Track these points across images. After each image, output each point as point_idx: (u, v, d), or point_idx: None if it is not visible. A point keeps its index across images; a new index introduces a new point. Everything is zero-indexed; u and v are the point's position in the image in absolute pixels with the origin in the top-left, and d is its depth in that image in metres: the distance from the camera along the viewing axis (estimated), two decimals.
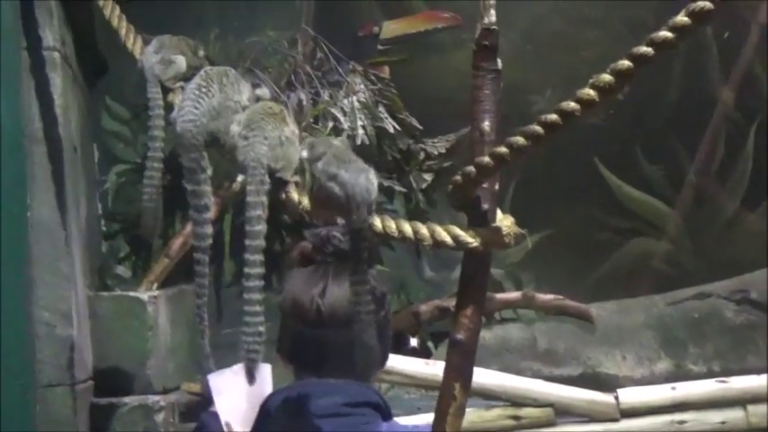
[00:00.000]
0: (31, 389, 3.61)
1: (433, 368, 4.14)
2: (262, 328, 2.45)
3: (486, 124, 2.02)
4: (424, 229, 2.10)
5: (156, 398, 4.36)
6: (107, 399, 4.30)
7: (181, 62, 3.25)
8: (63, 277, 3.94)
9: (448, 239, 2.06)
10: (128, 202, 5.02)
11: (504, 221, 2.06)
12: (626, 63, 1.72)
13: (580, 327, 5.17)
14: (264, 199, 2.45)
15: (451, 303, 5.04)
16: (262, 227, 2.44)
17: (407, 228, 2.12)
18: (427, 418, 2.58)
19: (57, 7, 3.98)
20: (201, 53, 3.34)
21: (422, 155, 5.07)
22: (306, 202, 2.40)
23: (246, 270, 2.42)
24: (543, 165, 5.26)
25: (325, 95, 5.00)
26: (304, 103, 4.98)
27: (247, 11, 5.32)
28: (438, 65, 5.39)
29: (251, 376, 2.49)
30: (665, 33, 1.68)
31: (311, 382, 2.34)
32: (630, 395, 4.50)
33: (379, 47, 5.37)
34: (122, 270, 5.05)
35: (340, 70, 5.07)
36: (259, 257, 2.42)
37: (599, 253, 5.46)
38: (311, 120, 4.90)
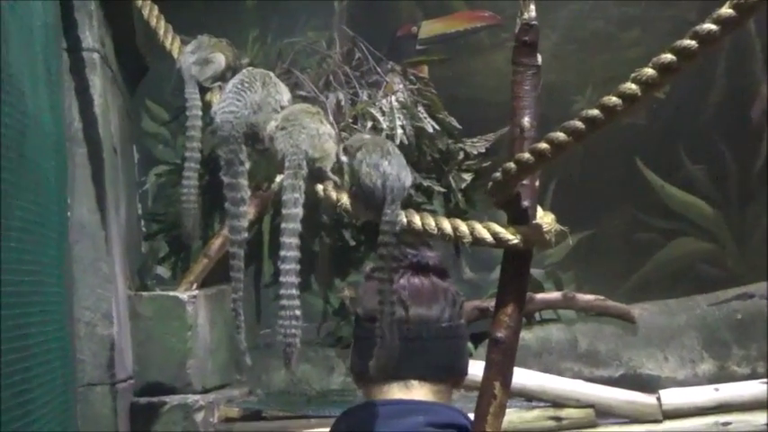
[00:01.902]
0: (72, 388, 3.63)
1: (472, 368, 4.11)
2: (298, 312, 2.43)
3: (526, 120, 2.01)
4: (463, 227, 2.09)
5: (196, 397, 4.38)
6: (147, 398, 4.32)
7: (219, 61, 3.26)
8: (103, 277, 3.96)
9: (488, 237, 2.04)
10: (167, 203, 5.05)
11: (545, 218, 2.05)
12: (669, 57, 1.69)
13: (621, 327, 5.12)
14: (301, 183, 2.45)
15: (491, 304, 5.03)
16: (298, 210, 2.43)
17: (447, 225, 2.11)
18: None
19: (96, 9, 4.01)
20: (245, 60, 3.35)
21: (461, 155, 5.05)
22: (344, 199, 2.39)
23: (282, 253, 2.42)
24: (584, 164, 5.23)
25: (364, 95, 5.00)
26: (342, 103, 4.97)
27: (286, 12, 5.33)
28: (477, 65, 5.36)
29: (288, 362, 2.48)
30: (709, 26, 1.65)
31: (393, 401, 2.24)
32: (673, 396, 4.46)
33: (418, 47, 5.36)
34: (162, 270, 5.08)
35: (378, 70, 5.07)
36: (295, 240, 2.42)
37: (640, 253, 5.41)
38: (350, 120, 4.89)
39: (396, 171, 2.26)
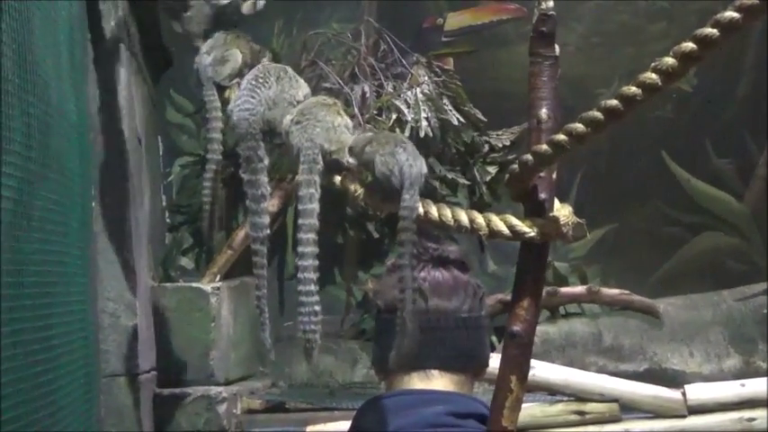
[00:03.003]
0: (95, 378, 3.64)
1: (494, 361, 4.11)
2: (318, 308, 2.44)
3: (544, 112, 1.98)
4: (480, 218, 2.08)
5: (219, 389, 4.39)
6: (170, 389, 4.34)
7: (236, 58, 3.26)
8: (127, 268, 3.98)
9: (504, 229, 2.03)
10: (192, 194, 5.05)
11: (562, 211, 2.02)
12: (690, 45, 1.66)
13: (646, 322, 5.10)
14: (317, 178, 2.45)
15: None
16: (314, 205, 2.43)
17: (463, 216, 2.10)
18: None
19: None
20: (268, 54, 3.34)
21: (486, 147, 5.04)
22: (360, 190, 2.38)
23: (300, 249, 2.42)
24: (610, 158, 5.20)
25: (389, 87, 4.99)
26: (368, 95, 4.97)
27: (311, 3, 5.32)
28: (503, 58, 5.34)
29: (309, 356, 2.48)
30: (731, 14, 1.62)
31: (414, 391, 2.24)
32: (698, 391, 4.43)
33: (443, 39, 5.34)
34: (186, 261, 5.09)
35: (404, 62, 5.06)
36: (312, 236, 2.42)
37: (666, 247, 5.37)
38: (375, 112, 4.89)
39: (411, 157, 2.27)
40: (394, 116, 4.86)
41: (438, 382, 2.26)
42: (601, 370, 4.75)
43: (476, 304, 2.29)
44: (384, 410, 2.24)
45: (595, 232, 5.21)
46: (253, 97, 2.71)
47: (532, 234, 1.99)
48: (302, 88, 2.80)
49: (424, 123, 4.85)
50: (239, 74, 3.23)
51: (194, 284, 4.56)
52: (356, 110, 4.77)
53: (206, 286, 4.51)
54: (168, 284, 4.57)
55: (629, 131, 4.88)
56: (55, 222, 3.01)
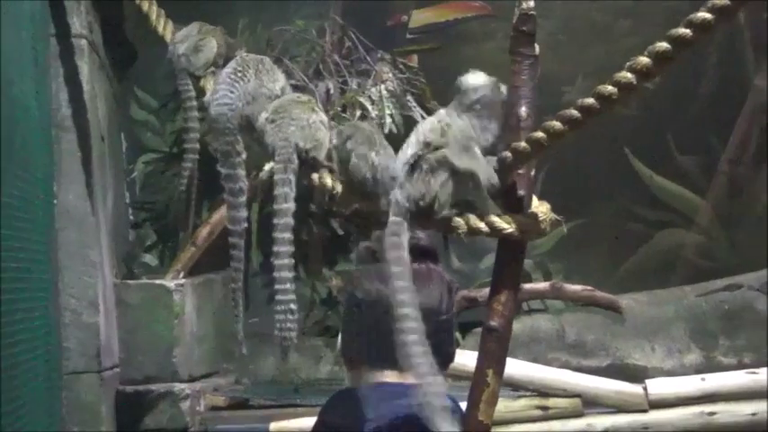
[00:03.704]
0: (58, 376, 3.62)
1: (461, 357, 4.12)
2: (294, 306, 2.44)
3: (523, 110, 2.00)
4: (457, 217, 2.08)
5: (182, 386, 4.38)
6: (133, 387, 4.32)
7: (210, 47, 3.25)
8: (90, 265, 3.95)
9: (483, 226, 2.04)
10: (155, 191, 5.03)
11: (541, 208, 2.05)
12: (664, 45, 1.69)
13: (609, 318, 5.14)
14: (292, 177, 2.44)
15: (479, 294, 5.04)
16: (290, 204, 2.43)
17: None
18: None
19: None
20: (243, 49, 3.32)
21: None
22: (339, 187, 2.38)
23: (276, 248, 2.42)
24: (573, 155, 5.22)
25: (353, 84, 5.00)
26: (332, 91, 4.97)
27: (276, 1, 5.31)
28: (468, 55, 5.35)
29: (285, 355, 2.48)
30: (703, 15, 1.65)
31: (385, 384, 2.22)
32: (659, 386, 4.47)
33: (408, 36, 5.35)
34: (149, 258, 5.06)
35: (368, 59, 5.06)
36: (288, 235, 2.42)
37: (629, 243, 5.42)
38: (339, 108, 4.89)
39: (384, 161, 2.26)
40: (358, 113, 4.87)
41: (407, 376, 2.26)
42: (564, 366, 4.78)
43: (451, 303, 2.29)
44: (355, 403, 2.24)
45: (559, 229, 5.25)
46: (232, 92, 2.70)
47: (511, 230, 2.01)
48: (280, 80, 2.80)
49: (389, 120, 4.86)
50: (214, 63, 3.22)
51: (158, 281, 4.53)
52: (320, 106, 4.75)
53: (169, 283, 4.49)
54: (131, 281, 4.55)
55: (592, 128, 4.89)
56: (17, 219, 2.99)
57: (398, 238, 2.05)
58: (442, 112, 2.16)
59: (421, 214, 2.06)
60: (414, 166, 2.07)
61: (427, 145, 2.07)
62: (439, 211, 2.06)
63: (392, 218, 2.07)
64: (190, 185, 3.30)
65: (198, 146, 3.33)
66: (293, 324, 2.44)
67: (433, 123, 2.12)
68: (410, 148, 2.11)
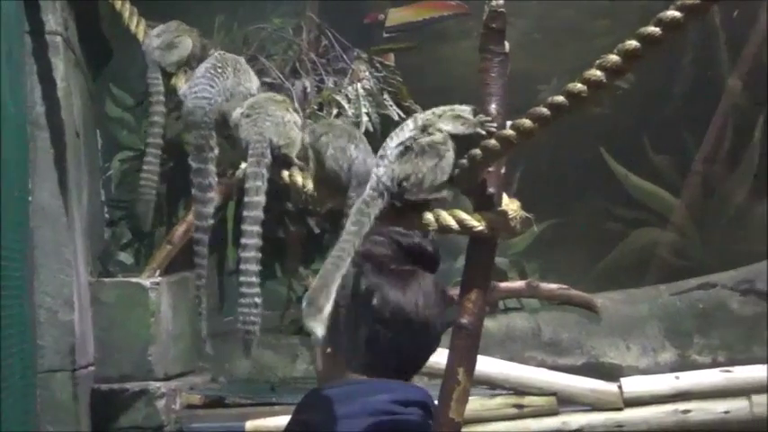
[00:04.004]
0: (33, 374, 3.61)
1: (435, 356, 4.12)
2: (258, 300, 2.43)
3: (493, 107, 2.00)
4: (428, 214, 2.08)
5: (158, 384, 4.36)
6: (108, 385, 4.30)
7: (185, 45, 3.24)
8: (65, 263, 3.93)
9: (453, 223, 2.04)
10: (131, 189, 5.00)
11: (511, 205, 2.04)
12: (633, 43, 1.70)
13: (584, 316, 5.15)
14: (265, 171, 2.44)
15: (454, 292, 5.04)
16: (260, 198, 2.43)
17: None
18: None
19: None
20: (218, 50, 3.31)
21: None
22: (310, 186, 2.38)
23: (243, 241, 2.42)
24: (549, 154, 5.24)
25: (330, 83, 4.99)
26: (308, 90, 4.96)
27: None
28: (444, 53, 5.36)
29: (247, 349, 2.47)
30: (673, 13, 1.65)
31: (359, 381, 2.20)
32: (634, 384, 4.49)
33: (385, 34, 5.35)
34: (125, 256, 5.05)
35: (345, 57, 5.06)
36: (257, 229, 2.42)
37: (604, 242, 5.43)
38: (315, 107, 4.88)
39: (362, 156, 2.26)
40: (335, 111, 4.87)
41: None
42: (540, 364, 4.80)
43: (437, 311, 2.26)
44: (329, 401, 2.23)
45: (533, 229, 5.27)
46: (211, 86, 2.70)
47: (481, 228, 2.01)
48: (254, 81, 2.81)
49: (365, 119, 4.86)
50: (187, 63, 3.21)
51: (133, 279, 4.52)
52: (297, 105, 4.75)
53: (145, 281, 4.48)
54: (107, 279, 4.53)
55: (568, 127, 4.91)
56: None
57: (367, 208, 2.04)
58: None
59: (401, 194, 2.04)
60: (407, 147, 2.05)
61: (423, 128, 2.06)
62: (419, 193, 2.04)
63: (369, 191, 2.05)
64: (152, 182, 3.28)
65: (162, 141, 3.32)
66: (257, 318, 2.44)
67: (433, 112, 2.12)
68: (406, 132, 2.10)
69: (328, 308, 1.94)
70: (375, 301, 2.12)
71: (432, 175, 2.04)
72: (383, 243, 2.20)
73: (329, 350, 2.21)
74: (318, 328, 1.92)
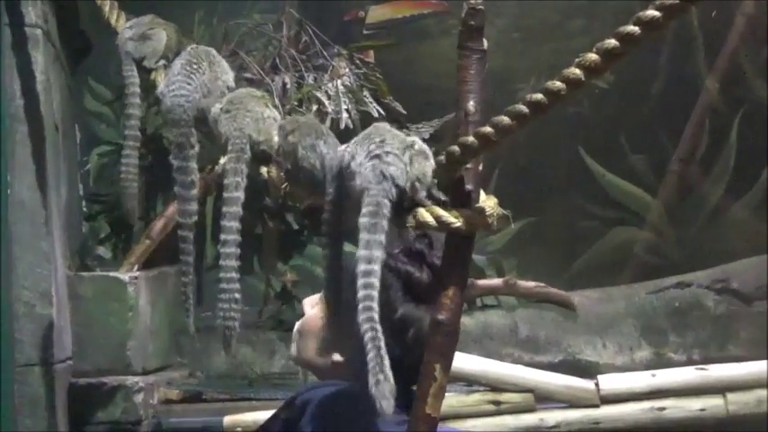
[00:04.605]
0: (9, 368, 3.59)
1: None
2: (238, 296, 2.43)
3: (471, 104, 2.00)
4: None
5: (136, 379, 4.35)
6: (86, 379, 4.29)
7: (159, 38, 3.21)
8: (43, 257, 3.92)
9: (430, 220, 2.04)
10: (109, 184, 5.00)
11: (488, 202, 2.04)
12: (612, 42, 1.70)
13: (562, 314, 5.16)
14: (243, 167, 2.44)
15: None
16: (239, 194, 2.43)
17: None
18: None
19: None
20: (192, 45, 3.29)
21: None
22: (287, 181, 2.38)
23: (222, 236, 2.42)
24: (527, 153, 5.25)
25: (310, 79, 4.98)
26: (288, 86, 4.95)
27: None
28: (424, 51, 5.36)
29: (228, 345, 2.46)
30: (652, 12, 1.66)
31: (354, 384, 2.16)
32: (611, 382, 4.51)
33: (365, 31, 5.34)
34: (103, 251, 5.02)
35: (325, 54, 5.05)
36: (236, 224, 2.41)
37: (582, 241, 5.44)
38: (295, 103, 4.87)
39: (332, 151, 2.27)
40: (315, 108, 4.86)
41: None
42: (517, 361, 4.81)
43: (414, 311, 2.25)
44: (328, 398, 2.22)
45: (513, 225, 5.27)
46: (188, 83, 2.69)
47: (458, 224, 2.00)
48: (229, 72, 2.80)
49: (345, 115, 4.85)
50: (164, 56, 3.19)
51: (112, 274, 4.51)
52: (277, 101, 4.75)
53: (123, 276, 4.46)
54: (85, 273, 4.51)
55: (546, 126, 4.93)
56: None
57: (378, 217, 1.99)
58: None
59: (412, 196, 2.04)
60: (410, 147, 2.08)
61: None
62: (417, 194, 2.04)
63: (375, 192, 2.01)
64: (132, 174, 3.27)
65: (139, 133, 3.31)
66: (237, 314, 2.43)
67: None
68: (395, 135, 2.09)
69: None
70: (410, 335, 2.10)
71: (432, 175, 2.06)
72: (410, 257, 2.19)
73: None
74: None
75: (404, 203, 2.05)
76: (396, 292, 2.14)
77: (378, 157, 2.05)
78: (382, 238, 1.97)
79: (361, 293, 1.94)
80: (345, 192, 2.11)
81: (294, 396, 2.28)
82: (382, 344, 1.92)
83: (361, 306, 1.93)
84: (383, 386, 1.90)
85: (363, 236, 1.98)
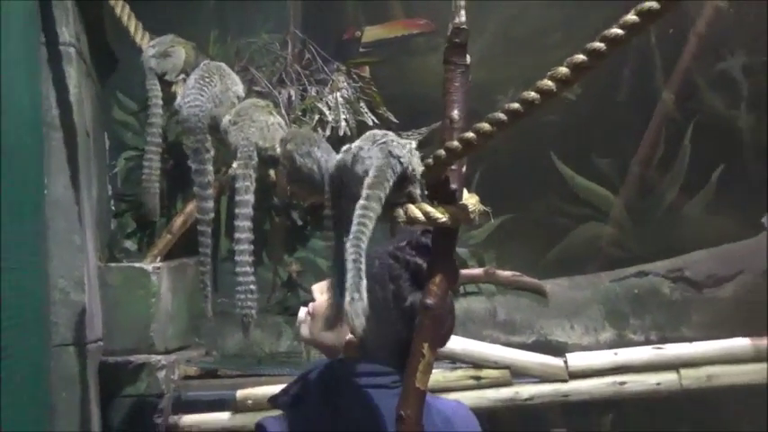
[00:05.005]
0: (47, 348, 3.58)
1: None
2: (253, 287, 2.44)
3: (456, 113, 2.00)
4: (398, 208, 2.08)
5: (158, 357, 4.35)
6: (114, 358, 4.28)
7: (178, 55, 3.22)
8: (76, 249, 3.91)
9: (420, 216, 2.04)
10: (135, 185, 4.98)
11: (470, 200, 2.05)
12: (581, 57, 1.70)
13: (535, 300, 5.16)
14: (252, 172, 2.44)
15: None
16: (249, 196, 2.43)
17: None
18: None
19: (72, 6, 3.95)
20: (207, 60, 3.29)
21: None
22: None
23: (237, 235, 2.42)
24: (505, 157, 5.24)
25: (312, 92, 4.98)
26: (293, 98, 4.95)
27: (244, 15, 5.27)
28: (415, 66, 5.34)
29: (246, 330, 2.47)
30: (616, 30, 1.66)
31: (360, 360, 2.19)
32: (578, 359, 4.51)
33: (361, 49, 5.32)
34: (129, 244, 5.01)
35: (326, 69, 5.05)
36: (248, 224, 2.42)
37: (553, 235, 5.43)
38: (299, 113, 4.87)
39: (325, 155, 2.28)
40: (316, 117, 4.86)
41: None
42: (495, 341, 4.80)
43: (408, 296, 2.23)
44: (336, 374, 2.21)
45: (493, 221, 5.28)
46: (201, 95, 2.70)
47: (444, 219, 2.01)
48: (239, 83, 2.80)
49: (343, 124, 4.85)
50: (183, 71, 3.19)
51: (137, 264, 4.50)
52: (283, 111, 4.75)
53: (147, 266, 4.46)
54: (113, 264, 4.50)
55: (522, 133, 4.92)
56: (10, 208, 2.95)
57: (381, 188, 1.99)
58: None
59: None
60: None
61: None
62: (413, 179, 2.05)
63: (382, 174, 2.01)
64: (154, 176, 3.26)
65: (160, 140, 3.31)
66: (253, 303, 2.44)
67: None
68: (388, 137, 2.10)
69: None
70: (417, 321, 2.06)
71: (420, 174, 2.08)
72: (417, 250, 2.18)
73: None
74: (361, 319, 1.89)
75: (402, 189, 2.05)
76: (404, 283, 2.14)
77: (384, 143, 2.07)
78: (381, 195, 1.98)
79: (354, 228, 1.94)
80: (347, 183, 2.11)
81: (305, 372, 2.27)
82: (363, 266, 1.91)
83: (352, 235, 1.93)
84: (357, 304, 1.89)
85: (365, 191, 1.98)
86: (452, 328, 2.30)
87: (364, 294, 1.90)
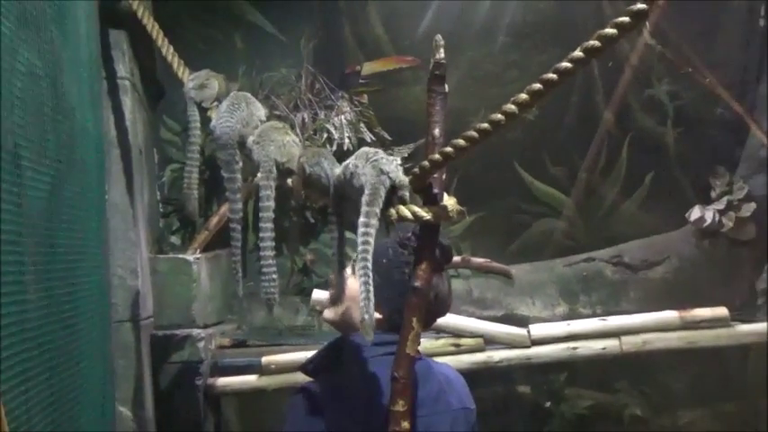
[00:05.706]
0: (108, 324, 3.58)
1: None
2: (275, 276, 2.44)
3: (437, 131, 2.01)
4: (391, 208, 2.08)
5: (199, 331, 4.34)
6: (162, 331, 4.28)
7: (213, 86, 3.23)
8: (131, 244, 3.91)
9: (408, 215, 2.04)
10: (178, 191, 4.98)
11: (449, 201, 2.05)
12: (537, 85, 1.71)
13: (503, 282, 5.16)
14: (272, 183, 2.45)
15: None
16: (270, 202, 2.44)
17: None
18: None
19: (127, 46, 3.94)
20: (236, 88, 3.30)
21: None
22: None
23: (261, 234, 2.43)
24: (477, 166, 5.25)
25: (322, 115, 4.98)
26: (306, 120, 4.95)
27: (266, 53, 5.27)
28: (404, 94, 5.34)
29: (270, 309, 2.48)
30: (565, 64, 1.66)
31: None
32: (538, 329, 4.51)
33: (361, 81, 5.32)
34: (174, 239, 5.01)
35: (332, 97, 5.05)
36: (270, 224, 2.42)
37: (517, 229, 5.43)
38: (311, 132, 4.88)
39: (331, 163, 2.29)
40: (325, 136, 4.87)
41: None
42: (471, 315, 4.80)
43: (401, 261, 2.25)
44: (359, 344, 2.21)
45: (468, 218, 5.28)
46: (232, 118, 2.71)
47: (428, 217, 2.01)
48: (262, 109, 2.81)
49: (347, 141, 4.86)
50: (217, 99, 3.20)
51: (180, 256, 4.49)
52: (298, 131, 4.75)
53: (189, 257, 4.45)
54: (161, 256, 4.49)
55: (492, 148, 4.94)
56: (78, 209, 2.95)
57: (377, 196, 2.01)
58: None
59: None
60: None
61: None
62: (402, 189, 2.07)
63: (378, 182, 2.03)
64: (194, 184, 3.27)
65: (198, 155, 3.31)
66: (275, 289, 2.45)
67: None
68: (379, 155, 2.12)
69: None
70: (407, 299, 2.06)
71: (407, 182, 2.11)
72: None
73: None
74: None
75: (392, 197, 2.06)
76: (412, 266, 2.14)
77: (376, 161, 2.08)
78: (377, 210, 1.99)
79: (360, 248, 1.95)
80: (346, 192, 2.13)
81: (332, 342, 2.27)
82: (371, 288, 1.92)
83: (359, 255, 1.95)
84: (367, 322, 1.89)
85: (364, 208, 2.00)
86: (449, 306, 2.31)
87: (373, 313, 1.93)
